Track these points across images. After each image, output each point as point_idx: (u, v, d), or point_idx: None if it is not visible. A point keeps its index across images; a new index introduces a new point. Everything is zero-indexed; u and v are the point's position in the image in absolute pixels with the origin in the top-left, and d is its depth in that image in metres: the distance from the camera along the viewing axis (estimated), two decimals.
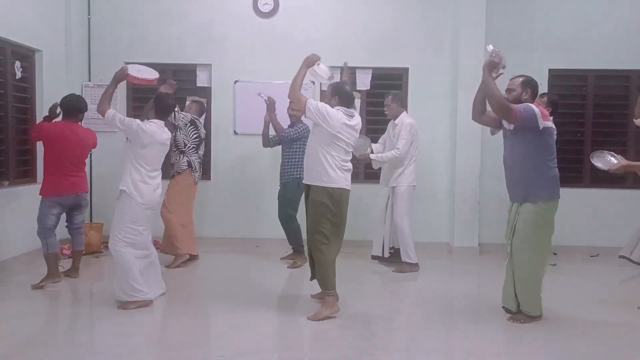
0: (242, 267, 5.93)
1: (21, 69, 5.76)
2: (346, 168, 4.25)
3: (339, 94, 4.28)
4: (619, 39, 6.75)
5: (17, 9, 5.59)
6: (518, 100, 4.02)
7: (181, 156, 5.77)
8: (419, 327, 4.19)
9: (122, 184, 4.34)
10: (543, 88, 6.72)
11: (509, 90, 4.11)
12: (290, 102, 5.55)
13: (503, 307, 4.34)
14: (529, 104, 3.98)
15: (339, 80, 4.98)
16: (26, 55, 5.90)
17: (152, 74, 4.73)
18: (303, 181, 4.43)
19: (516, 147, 4.07)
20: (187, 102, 6.17)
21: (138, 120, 4.40)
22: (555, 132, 4.16)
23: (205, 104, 6.39)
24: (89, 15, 6.81)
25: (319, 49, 6.67)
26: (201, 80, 6.91)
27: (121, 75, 4.47)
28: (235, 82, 6.83)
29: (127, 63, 4.91)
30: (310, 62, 4.31)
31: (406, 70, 6.86)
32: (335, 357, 3.54)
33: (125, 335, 3.89)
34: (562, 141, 6.61)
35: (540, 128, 3.92)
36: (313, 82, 6.61)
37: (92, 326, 4.22)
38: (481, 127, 6.31)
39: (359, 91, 6.82)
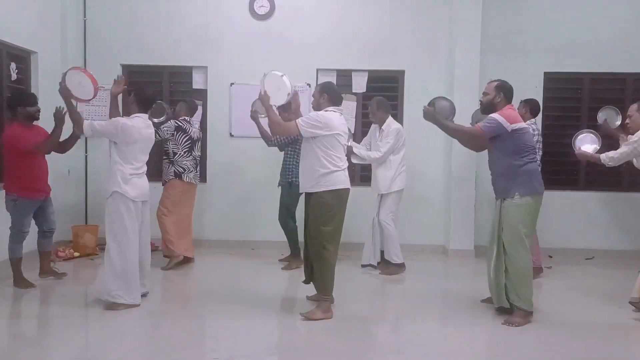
0: (238, 269, 5.92)
1: (16, 71, 5.73)
2: (345, 167, 4.28)
3: (328, 92, 4.28)
4: (614, 42, 6.77)
5: (12, 10, 5.57)
6: (491, 104, 4.22)
7: (170, 166, 5.75)
8: (414, 329, 4.18)
9: (113, 185, 4.31)
10: (539, 91, 6.77)
11: (484, 93, 4.31)
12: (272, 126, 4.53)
13: (494, 306, 4.43)
14: (491, 116, 4.13)
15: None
16: (22, 57, 5.88)
17: (88, 94, 4.49)
18: (302, 190, 4.38)
19: (492, 150, 4.31)
20: (177, 106, 5.97)
21: (122, 119, 4.36)
22: (535, 130, 5.11)
23: (194, 102, 6.19)
24: (84, 17, 6.80)
25: (314, 52, 6.84)
26: (197, 83, 6.91)
27: (64, 93, 4.36)
28: (231, 84, 6.82)
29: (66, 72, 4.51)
30: (266, 100, 4.30)
31: (402, 72, 6.86)
32: None
33: (118, 338, 3.87)
34: (557, 144, 6.66)
35: (510, 131, 4.08)
36: (309, 85, 6.63)
37: (85, 329, 4.18)
38: None
39: (355, 94, 6.83)
